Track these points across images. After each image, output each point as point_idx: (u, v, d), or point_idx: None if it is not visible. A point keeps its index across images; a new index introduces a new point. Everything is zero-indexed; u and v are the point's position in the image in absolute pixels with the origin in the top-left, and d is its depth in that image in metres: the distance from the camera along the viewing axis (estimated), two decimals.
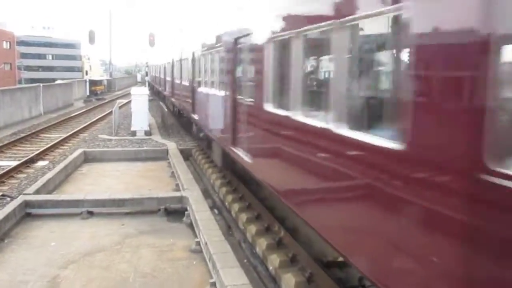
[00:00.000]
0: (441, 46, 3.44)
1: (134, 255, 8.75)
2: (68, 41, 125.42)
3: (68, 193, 12.94)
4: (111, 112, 27.95)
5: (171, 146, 18.71)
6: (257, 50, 8.28)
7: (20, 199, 11.17)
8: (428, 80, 3.63)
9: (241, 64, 9.78)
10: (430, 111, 3.52)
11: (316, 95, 5.95)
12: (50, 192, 12.79)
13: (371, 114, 4.75)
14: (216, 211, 11.87)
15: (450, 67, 3.34)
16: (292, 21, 6.63)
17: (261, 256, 8.63)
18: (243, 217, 10.26)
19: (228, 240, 8.89)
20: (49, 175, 13.56)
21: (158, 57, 37.03)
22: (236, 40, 9.90)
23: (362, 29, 4.77)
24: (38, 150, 17.94)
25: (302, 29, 6.01)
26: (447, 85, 3.36)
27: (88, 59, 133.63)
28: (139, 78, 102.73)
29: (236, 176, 12.46)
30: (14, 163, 15.57)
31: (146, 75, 44.31)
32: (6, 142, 19.56)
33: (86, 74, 49.43)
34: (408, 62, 3.83)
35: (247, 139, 9.06)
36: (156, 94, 44.16)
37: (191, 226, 10.32)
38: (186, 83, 18.76)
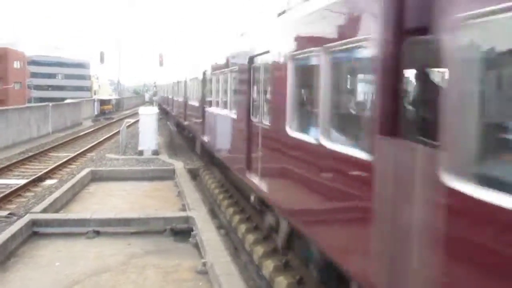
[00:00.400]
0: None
1: (139, 275, 8.69)
2: (78, 61, 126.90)
3: (75, 212, 12.95)
4: (119, 131, 28.11)
5: (178, 165, 18.72)
6: (208, 79, 15.76)
7: (27, 217, 11.19)
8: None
9: (206, 86, 16.34)
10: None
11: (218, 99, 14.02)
12: (57, 211, 12.80)
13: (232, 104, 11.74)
14: (222, 231, 11.81)
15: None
16: (215, 67, 14.54)
17: (267, 278, 8.54)
18: (250, 238, 10.19)
19: (234, 262, 8.83)
20: (56, 194, 13.59)
21: (165, 78, 45.24)
22: (204, 72, 16.65)
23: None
24: (46, 168, 17.99)
25: (217, 71, 14.01)
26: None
27: (97, 78, 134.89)
28: (147, 98, 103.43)
29: (209, 158, 17.93)
30: (22, 182, 15.61)
31: (154, 95, 44.72)
32: (14, 160, 19.65)
33: (95, 93, 49.77)
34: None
35: (207, 130, 15.90)
36: (164, 113, 44.45)
37: (197, 246, 10.25)
38: (181, 99, 24.74)
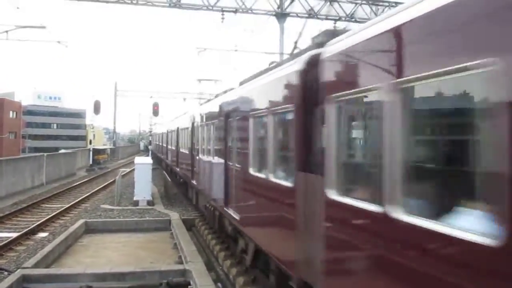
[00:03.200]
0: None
1: None
2: (73, 111, 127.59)
3: (68, 266, 12.58)
4: (113, 181, 27.87)
5: (174, 216, 18.43)
6: (186, 131, 21.41)
7: (18, 273, 10.83)
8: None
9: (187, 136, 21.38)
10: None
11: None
12: (49, 265, 12.43)
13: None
14: (220, 285, 11.47)
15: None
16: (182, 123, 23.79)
17: None
18: None
19: None
20: (48, 247, 13.25)
21: (159, 127, 51.84)
22: (193, 124, 19.49)
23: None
24: (38, 221, 17.62)
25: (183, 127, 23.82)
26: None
27: (92, 128, 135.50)
28: (141, 147, 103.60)
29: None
30: (13, 235, 15.25)
31: (150, 144, 44.73)
32: (6, 212, 19.30)
33: (90, 143, 49.65)
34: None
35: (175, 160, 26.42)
36: (158, 163, 44.29)
37: None
38: (173, 147, 28.93)
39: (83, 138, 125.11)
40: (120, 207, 20.64)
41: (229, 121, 11.39)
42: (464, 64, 3.20)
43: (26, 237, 15.29)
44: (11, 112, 76.39)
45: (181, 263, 12.36)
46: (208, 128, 15.08)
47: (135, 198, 21.38)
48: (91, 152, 48.83)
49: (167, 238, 16.07)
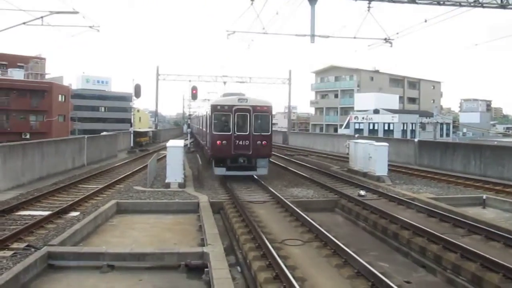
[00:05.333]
0: None
1: None
2: (120, 94, 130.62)
3: (94, 245, 12.93)
4: None
5: (203, 199, 18.60)
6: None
7: (43, 250, 11.25)
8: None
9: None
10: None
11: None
12: (76, 244, 12.83)
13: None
14: (238, 268, 11.50)
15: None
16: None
17: None
18: (261, 276, 9.83)
19: None
20: (76, 226, 13.65)
21: (196, 111, 62.51)
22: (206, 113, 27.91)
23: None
24: (73, 200, 18.19)
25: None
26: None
27: (138, 111, 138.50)
28: (184, 130, 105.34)
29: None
30: (46, 213, 15.81)
31: (188, 127, 45.39)
32: (45, 191, 20.01)
33: (131, 126, 50.97)
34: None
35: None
36: (197, 146, 44.82)
37: (209, 284, 9.96)
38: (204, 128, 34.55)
39: (129, 121, 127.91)
40: (152, 189, 21.01)
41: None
42: None
43: (58, 215, 15.80)
44: (60, 96, 78.93)
45: (203, 245, 12.47)
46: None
47: (166, 181, 21.71)
48: (131, 135, 49.93)
49: (194, 220, 16.24)
